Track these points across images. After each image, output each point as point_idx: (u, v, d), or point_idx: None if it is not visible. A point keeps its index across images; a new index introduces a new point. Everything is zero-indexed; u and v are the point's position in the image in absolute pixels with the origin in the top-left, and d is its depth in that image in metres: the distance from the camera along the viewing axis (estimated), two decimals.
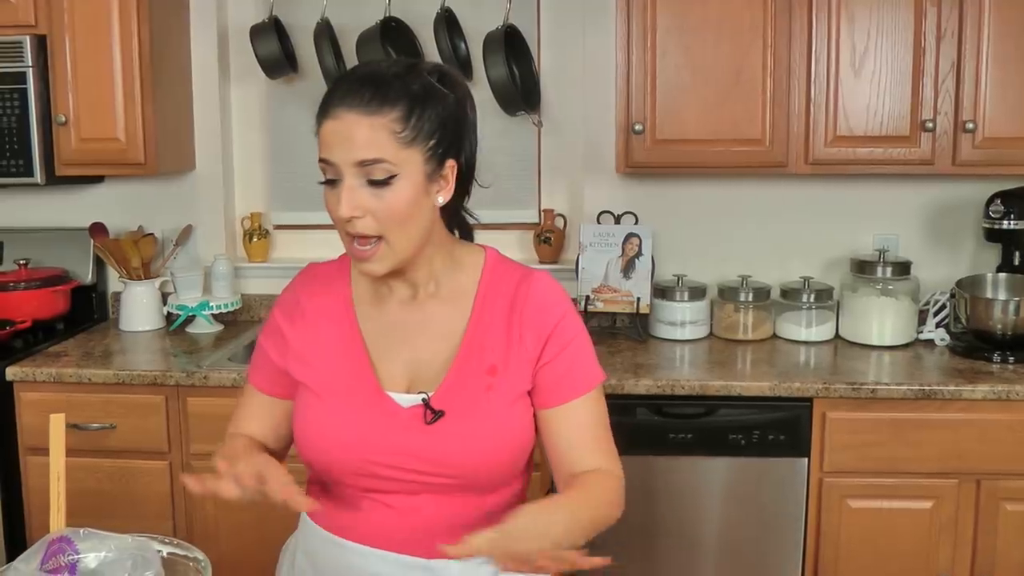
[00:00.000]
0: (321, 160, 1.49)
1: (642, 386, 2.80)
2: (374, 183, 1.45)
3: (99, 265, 3.58)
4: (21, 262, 3.39)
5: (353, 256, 1.53)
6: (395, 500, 1.57)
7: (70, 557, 1.39)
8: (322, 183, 1.50)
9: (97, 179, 3.56)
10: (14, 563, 1.37)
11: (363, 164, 1.45)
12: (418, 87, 1.48)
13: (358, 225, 1.47)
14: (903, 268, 3.17)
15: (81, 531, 1.41)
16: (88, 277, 3.54)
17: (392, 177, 1.45)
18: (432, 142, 1.48)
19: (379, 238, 1.49)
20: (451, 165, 1.52)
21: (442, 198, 1.53)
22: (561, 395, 1.58)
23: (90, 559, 1.40)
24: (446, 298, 1.61)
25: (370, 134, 1.44)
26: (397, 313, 1.61)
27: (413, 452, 1.53)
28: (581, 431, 1.60)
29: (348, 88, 1.47)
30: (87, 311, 3.56)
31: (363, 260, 1.51)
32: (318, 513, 1.65)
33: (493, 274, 1.62)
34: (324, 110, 1.49)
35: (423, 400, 1.55)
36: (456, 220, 1.66)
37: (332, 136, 1.47)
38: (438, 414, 1.54)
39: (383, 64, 1.53)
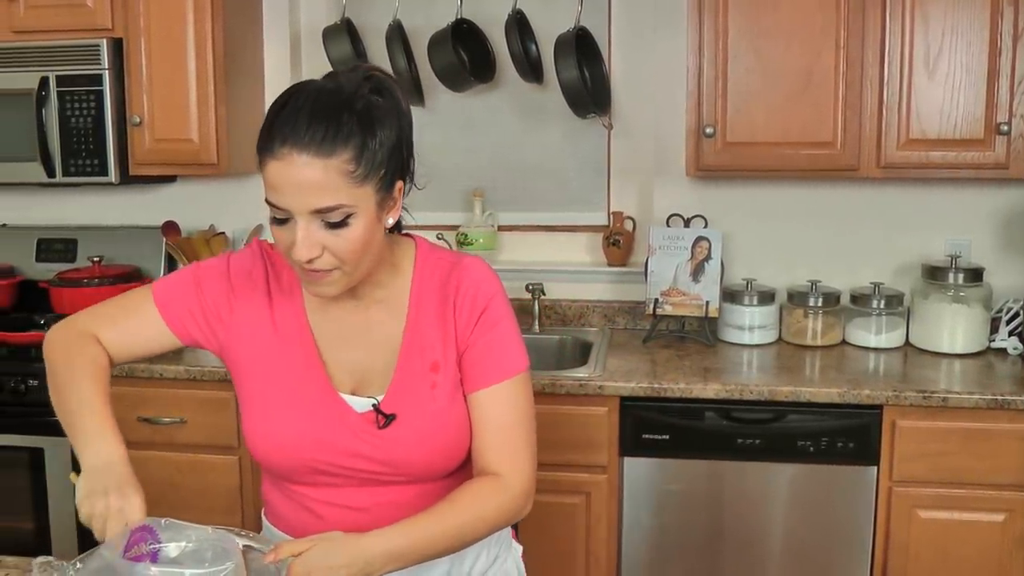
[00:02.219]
0: (268, 202, 1.43)
1: (711, 390, 2.78)
2: (331, 225, 1.41)
3: (170, 263, 3.64)
4: (95, 259, 3.45)
5: (305, 280, 1.50)
6: (357, 500, 1.59)
7: (152, 546, 1.40)
8: (271, 222, 1.45)
9: (169, 179, 3.62)
10: (99, 549, 1.39)
11: (319, 211, 1.40)
12: (364, 111, 1.41)
13: (316, 263, 1.44)
14: (976, 275, 3.11)
15: (163, 521, 1.42)
16: (159, 274, 3.59)
17: (349, 217, 1.41)
18: (382, 172, 1.44)
19: (335, 268, 1.47)
20: (399, 187, 1.50)
21: (392, 219, 1.51)
22: (478, 381, 1.57)
23: (171, 548, 1.42)
24: (384, 301, 1.60)
25: (323, 178, 1.38)
26: (341, 317, 1.60)
27: (366, 455, 1.55)
28: (490, 424, 1.57)
29: (294, 124, 1.38)
30: None
31: (315, 283, 1.48)
32: (284, 522, 1.67)
33: (424, 268, 1.61)
34: (268, 148, 1.40)
35: (374, 405, 1.55)
36: None
37: (281, 180, 1.39)
38: (390, 418, 1.55)
39: (325, 90, 1.43)
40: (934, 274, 3.14)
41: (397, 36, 3.30)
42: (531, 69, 3.31)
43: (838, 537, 2.82)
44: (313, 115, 1.38)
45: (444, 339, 1.58)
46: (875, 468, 2.77)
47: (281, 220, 1.43)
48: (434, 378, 1.56)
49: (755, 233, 3.42)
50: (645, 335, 3.29)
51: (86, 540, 3.09)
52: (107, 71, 3.21)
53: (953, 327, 3.09)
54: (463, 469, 1.62)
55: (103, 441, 1.51)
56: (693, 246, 3.23)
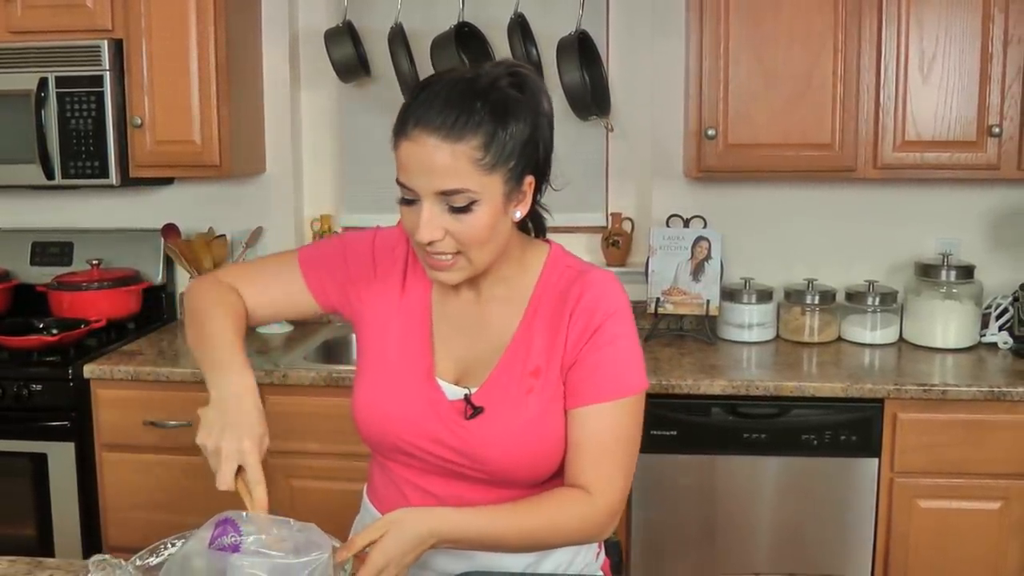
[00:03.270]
0: (398, 182, 1.47)
1: (717, 386, 2.84)
2: (455, 209, 1.44)
3: (169, 265, 3.63)
4: (94, 262, 3.43)
5: (428, 265, 1.53)
6: (440, 488, 1.61)
7: (232, 538, 1.41)
8: (400, 202, 1.49)
9: (166, 181, 3.60)
10: (190, 539, 1.40)
11: (444, 193, 1.43)
12: (498, 102, 1.44)
13: (437, 247, 1.47)
14: (967, 272, 3.21)
15: (244, 514, 1.43)
16: (158, 277, 3.58)
17: (473, 203, 1.44)
18: (512, 163, 1.46)
19: (458, 253, 1.49)
20: (529, 182, 1.51)
21: (520, 213, 1.53)
22: (580, 397, 1.55)
23: (251, 541, 1.42)
24: (505, 299, 1.61)
25: (451, 162, 1.41)
26: (460, 310, 1.63)
27: (449, 443, 1.57)
28: (587, 441, 1.54)
29: (428, 108, 1.43)
30: (156, 311, 3.60)
31: (439, 270, 1.52)
32: (377, 497, 1.71)
33: (551, 273, 1.61)
34: (403, 129, 1.45)
35: (465, 396, 1.57)
36: (530, 218, 1.65)
37: (411, 160, 1.44)
38: (477, 410, 1.56)
39: (463, 79, 1.47)
40: (927, 272, 3.24)
41: (400, 38, 3.32)
42: None
43: (841, 528, 2.89)
44: (447, 101, 1.43)
45: (551, 347, 1.56)
46: (876, 460, 2.84)
47: (409, 201, 1.47)
48: (532, 383, 1.56)
49: (750, 233, 3.49)
50: (646, 334, 3.34)
51: (91, 547, 3.08)
52: (108, 72, 3.18)
53: (946, 323, 3.19)
54: (550, 482, 1.60)
55: (232, 372, 1.53)
56: (693, 246, 3.30)
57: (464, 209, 1.44)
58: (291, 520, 1.45)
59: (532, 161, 1.50)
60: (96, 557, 1.47)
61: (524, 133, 1.46)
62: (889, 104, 3.04)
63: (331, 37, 3.36)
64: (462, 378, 1.60)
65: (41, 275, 3.55)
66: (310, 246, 1.76)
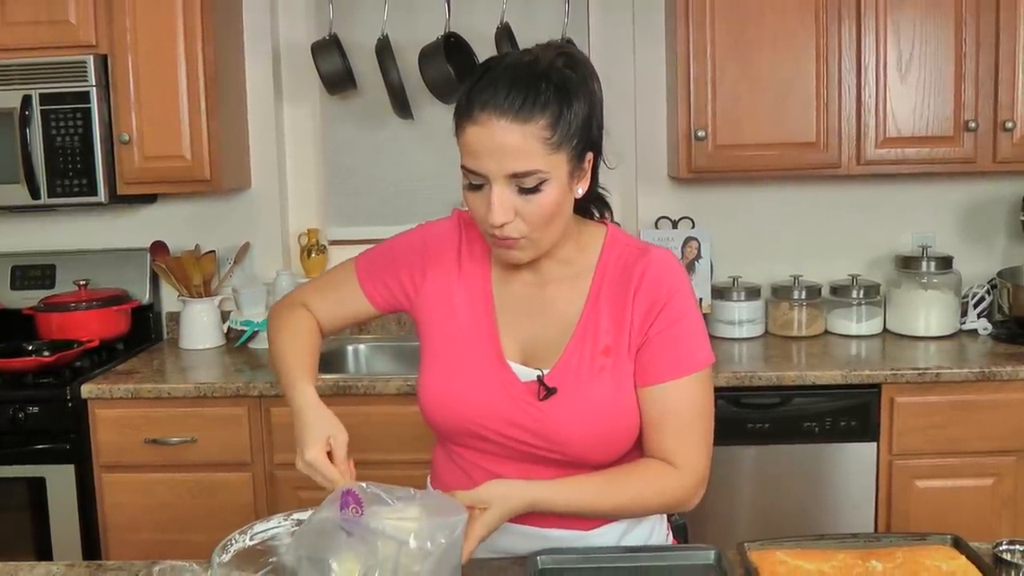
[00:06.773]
0: (466, 167, 1.49)
1: (722, 379, 2.91)
2: (525, 190, 1.46)
3: (155, 283, 3.58)
4: (81, 283, 3.36)
5: (495, 246, 1.55)
6: (510, 471, 1.62)
7: (355, 509, 1.41)
8: (467, 188, 1.51)
9: (149, 199, 3.54)
10: (319, 510, 1.39)
11: (515, 176, 1.45)
12: (559, 83, 1.46)
13: (508, 229, 1.49)
14: (946, 263, 3.35)
15: (364, 484, 1.42)
16: (145, 296, 3.52)
17: (542, 183, 1.46)
18: (575, 141, 1.48)
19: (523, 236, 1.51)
20: (589, 158, 1.54)
21: (581, 189, 1.55)
22: (654, 375, 1.58)
23: (373, 510, 1.41)
24: (566, 280, 1.63)
25: (522, 143, 1.43)
26: (522, 292, 1.65)
27: (523, 425, 1.59)
28: (667, 416, 1.58)
29: (494, 91, 1.44)
30: (144, 331, 3.54)
31: (507, 250, 1.54)
32: (443, 485, 1.72)
33: (611, 253, 1.63)
34: (468, 113, 1.46)
35: (538, 377, 1.58)
36: (592, 198, 1.67)
37: (479, 144, 1.45)
38: (551, 391, 1.57)
39: (522, 62, 1.49)
40: (908, 264, 3.36)
41: (387, 49, 3.34)
42: None
43: (844, 510, 2.98)
44: (512, 83, 1.44)
45: (619, 327, 1.59)
46: (875, 444, 2.94)
47: (476, 186, 1.49)
48: (604, 362, 1.58)
49: (732, 231, 3.58)
50: None
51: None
52: (94, 88, 3.13)
53: (927, 312, 3.32)
54: (623, 460, 1.62)
55: (293, 391, 1.65)
56: (683, 246, 3.37)
57: (534, 190, 1.46)
58: (411, 488, 1.44)
59: (591, 138, 1.53)
60: (160, 565, 1.47)
61: (584, 111, 1.49)
62: (870, 103, 3.16)
63: (318, 50, 3.36)
64: (529, 360, 1.62)
65: (23, 299, 3.45)
66: (365, 254, 1.79)
